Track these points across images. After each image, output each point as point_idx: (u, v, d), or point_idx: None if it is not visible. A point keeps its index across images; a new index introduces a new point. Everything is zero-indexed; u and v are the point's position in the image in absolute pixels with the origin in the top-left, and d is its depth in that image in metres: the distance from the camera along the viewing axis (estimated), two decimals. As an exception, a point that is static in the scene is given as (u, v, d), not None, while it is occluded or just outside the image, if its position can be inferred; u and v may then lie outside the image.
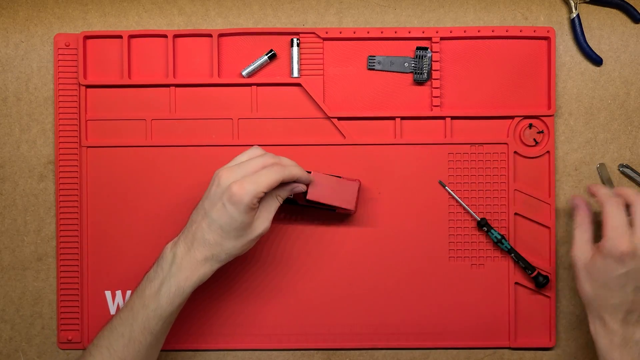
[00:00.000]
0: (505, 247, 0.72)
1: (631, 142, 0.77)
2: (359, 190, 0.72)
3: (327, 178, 0.71)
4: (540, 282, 0.74)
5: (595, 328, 0.67)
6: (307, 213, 0.76)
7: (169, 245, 0.67)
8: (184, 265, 0.65)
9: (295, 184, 0.69)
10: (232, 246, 0.66)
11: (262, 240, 0.76)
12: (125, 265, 0.76)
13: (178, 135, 0.77)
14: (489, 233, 0.73)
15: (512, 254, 0.71)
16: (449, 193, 0.75)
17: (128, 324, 0.66)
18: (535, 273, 0.74)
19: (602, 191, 0.69)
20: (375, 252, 0.76)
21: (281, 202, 0.68)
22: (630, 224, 0.66)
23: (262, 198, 0.67)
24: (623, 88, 0.78)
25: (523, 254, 0.76)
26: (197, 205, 0.67)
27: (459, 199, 0.75)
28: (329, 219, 0.76)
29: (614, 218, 0.66)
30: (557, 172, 0.77)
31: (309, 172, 0.70)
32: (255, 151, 0.68)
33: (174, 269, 0.65)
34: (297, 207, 0.75)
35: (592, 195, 0.70)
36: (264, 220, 0.67)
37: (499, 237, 0.73)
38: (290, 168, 0.67)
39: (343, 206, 0.72)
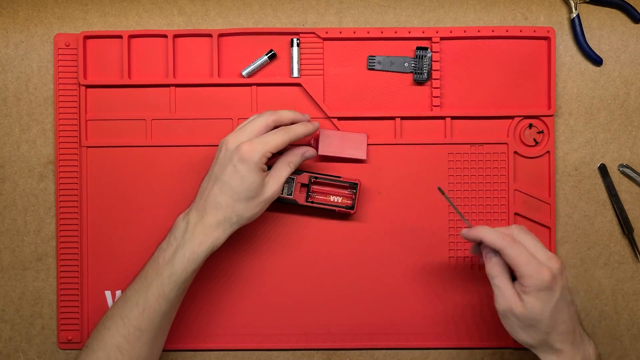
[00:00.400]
0: None
1: (631, 142, 0.77)
2: (367, 141, 0.75)
3: (335, 133, 0.75)
4: None
5: None
6: (307, 213, 0.76)
7: (181, 216, 0.69)
8: (197, 231, 0.66)
9: (305, 149, 0.72)
10: (243, 208, 0.67)
11: (263, 240, 0.76)
12: (126, 265, 0.76)
13: (178, 135, 0.77)
14: None
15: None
16: (447, 200, 0.73)
17: (142, 293, 0.67)
18: None
19: (490, 236, 0.64)
20: (375, 252, 0.76)
21: (293, 170, 0.70)
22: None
23: (275, 164, 0.69)
24: (623, 88, 0.78)
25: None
26: (206, 175, 0.69)
27: (454, 205, 0.72)
28: (329, 219, 0.76)
29: (521, 256, 0.62)
30: (557, 172, 0.77)
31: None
32: (254, 116, 0.70)
33: (188, 236, 0.67)
34: (297, 207, 0.75)
35: (475, 240, 0.66)
36: (273, 184, 0.68)
37: None
38: (295, 129, 0.69)
39: (355, 156, 0.75)
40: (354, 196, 0.74)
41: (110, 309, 0.69)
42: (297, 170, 0.73)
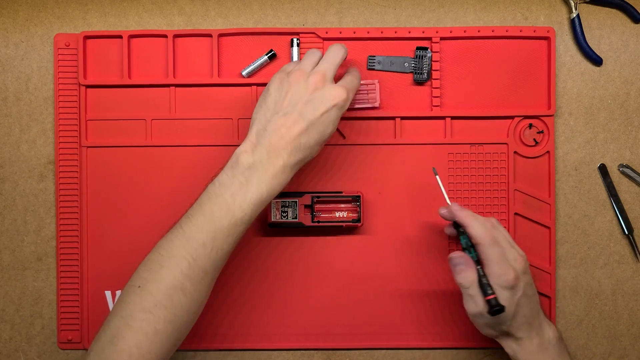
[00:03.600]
0: (473, 257, 0.67)
1: (631, 142, 0.77)
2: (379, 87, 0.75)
3: None
4: (493, 308, 0.66)
5: (513, 350, 0.69)
6: (313, 233, 0.76)
7: (243, 151, 0.64)
8: (270, 173, 0.63)
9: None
10: (317, 150, 0.66)
11: (263, 240, 0.76)
12: (126, 265, 0.75)
13: (178, 135, 0.77)
14: (461, 237, 0.69)
15: (478, 266, 0.67)
16: (439, 184, 0.71)
17: (210, 232, 0.62)
18: (491, 297, 0.66)
19: (474, 229, 0.66)
20: (375, 252, 0.76)
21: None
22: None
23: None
24: (623, 88, 0.78)
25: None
26: (266, 108, 0.66)
27: (443, 188, 0.71)
28: (334, 235, 0.75)
29: (495, 256, 0.66)
30: (557, 172, 0.77)
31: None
32: (314, 51, 0.70)
33: (260, 176, 0.63)
34: (303, 229, 0.75)
35: (457, 222, 0.68)
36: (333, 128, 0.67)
37: (467, 245, 0.68)
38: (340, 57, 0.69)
39: (370, 105, 0.75)
40: (358, 209, 0.74)
41: (166, 249, 0.63)
42: (298, 193, 0.73)
